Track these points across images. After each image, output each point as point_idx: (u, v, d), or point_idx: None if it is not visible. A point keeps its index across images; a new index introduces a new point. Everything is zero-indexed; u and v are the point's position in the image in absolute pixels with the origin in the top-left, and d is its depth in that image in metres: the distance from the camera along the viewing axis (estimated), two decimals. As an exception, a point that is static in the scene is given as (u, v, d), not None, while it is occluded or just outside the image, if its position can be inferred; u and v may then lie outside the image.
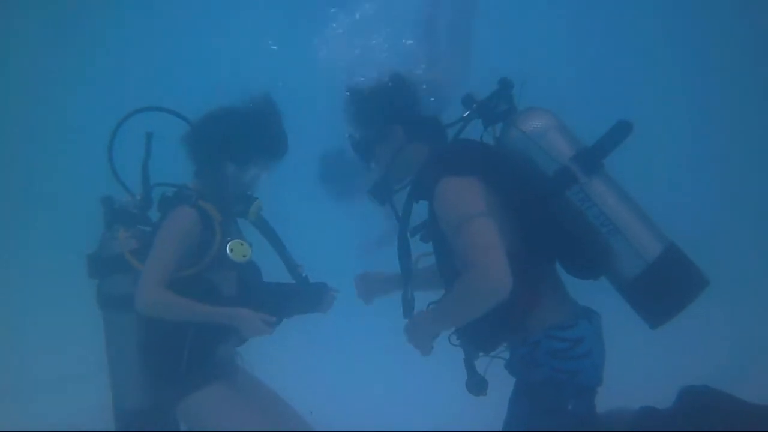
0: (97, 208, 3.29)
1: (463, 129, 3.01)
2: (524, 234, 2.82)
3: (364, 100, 3.08)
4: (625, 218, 2.77)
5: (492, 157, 2.92)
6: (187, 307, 3.00)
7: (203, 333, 3.09)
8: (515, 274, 2.71)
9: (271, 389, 3.41)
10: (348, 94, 3.11)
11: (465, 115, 2.99)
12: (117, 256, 3.14)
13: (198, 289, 3.05)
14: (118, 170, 3.27)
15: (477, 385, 2.99)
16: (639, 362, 5.39)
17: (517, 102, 2.96)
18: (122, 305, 3.07)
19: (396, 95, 3.05)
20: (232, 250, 3.10)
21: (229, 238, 3.13)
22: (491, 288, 2.60)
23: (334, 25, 8.19)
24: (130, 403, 3.17)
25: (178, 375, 3.09)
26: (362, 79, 3.22)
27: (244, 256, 3.12)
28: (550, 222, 2.80)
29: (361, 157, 3.13)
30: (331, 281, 3.45)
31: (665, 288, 2.75)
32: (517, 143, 2.85)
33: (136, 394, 3.15)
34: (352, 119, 3.11)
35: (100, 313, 3.23)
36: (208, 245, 3.09)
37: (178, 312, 3.00)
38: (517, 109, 2.94)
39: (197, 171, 3.26)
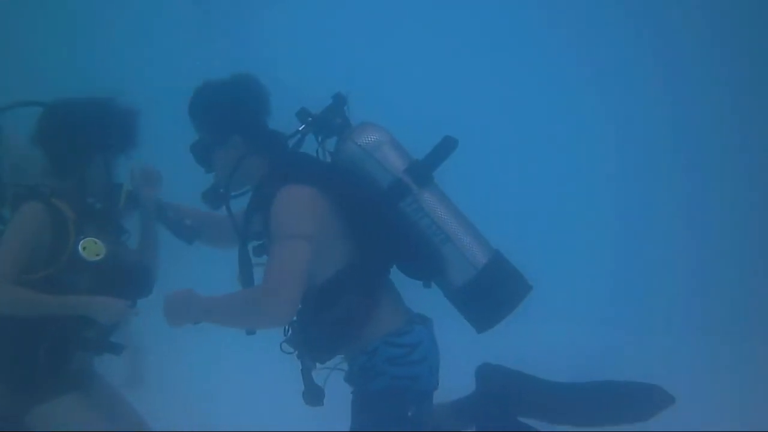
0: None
1: (300, 143, 3.02)
2: (361, 243, 2.89)
3: (206, 102, 2.97)
4: (454, 228, 2.90)
5: (329, 169, 2.97)
6: (36, 300, 2.85)
7: (59, 338, 2.95)
8: (353, 283, 2.81)
9: (126, 399, 3.30)
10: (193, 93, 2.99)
11: (301, 128, 3.00)
12: None
13: (50, 291, 2.90)
14: None
15: (314, 395, 3.00)
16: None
17: (350, 117, 3.02)
18: None
19: (242, 103, 2.96)
20: (84, 249, 2.96)
21: (82, 236, 2.97)
22: (267, 312, 2.69)
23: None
24: None
25: (31, 382, 2.94)
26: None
27: (97, 254, 2.97)
28: (386, 231, 2.88)
29: (197, 161, 3.04)
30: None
31: (493, 293, 2.91)
32: (352, 156, 2.91)
33: None
34: (192, 120, 3.01)
35: None
36: (61, 245, 2.94)
37: (25, 306, 2.85)
38: (351, 124, 3.01)
39: (51, 166, 3.08)
